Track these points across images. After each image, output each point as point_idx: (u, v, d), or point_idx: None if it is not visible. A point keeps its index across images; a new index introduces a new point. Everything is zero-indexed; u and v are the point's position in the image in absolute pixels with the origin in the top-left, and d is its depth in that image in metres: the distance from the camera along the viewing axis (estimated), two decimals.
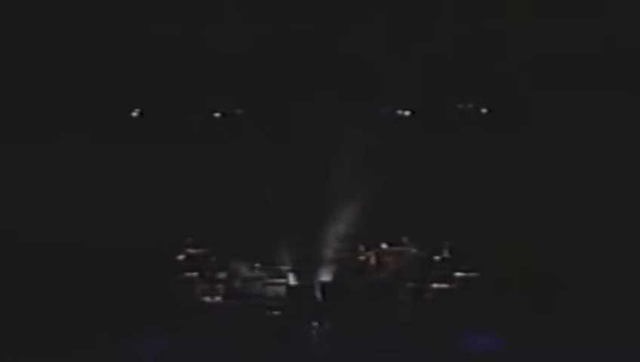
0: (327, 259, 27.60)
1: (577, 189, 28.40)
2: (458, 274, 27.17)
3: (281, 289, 26.72)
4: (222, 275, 27.14)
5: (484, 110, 28.59)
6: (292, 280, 27.44)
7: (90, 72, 26.81)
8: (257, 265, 27.08)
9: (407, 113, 28.59)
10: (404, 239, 27.96)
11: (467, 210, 27.86)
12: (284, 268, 27.26)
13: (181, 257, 27.29)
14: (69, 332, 22.56)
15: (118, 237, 27.32)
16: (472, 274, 27.09)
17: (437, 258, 27.59)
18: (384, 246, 27.96)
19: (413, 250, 27.77)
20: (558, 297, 25.75)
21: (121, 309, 24.08)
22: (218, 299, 26.68)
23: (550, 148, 28.09)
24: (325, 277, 27.21)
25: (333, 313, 25.70)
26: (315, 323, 24.61)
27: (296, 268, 27.62)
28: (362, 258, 27.77)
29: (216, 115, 28.64)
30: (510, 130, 28.05)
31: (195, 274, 27.03)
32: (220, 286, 27.00)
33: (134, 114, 28.04)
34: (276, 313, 25.79)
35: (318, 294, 25.90)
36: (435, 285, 27.00)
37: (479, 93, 28.31)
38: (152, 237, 26.96)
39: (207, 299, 26.89)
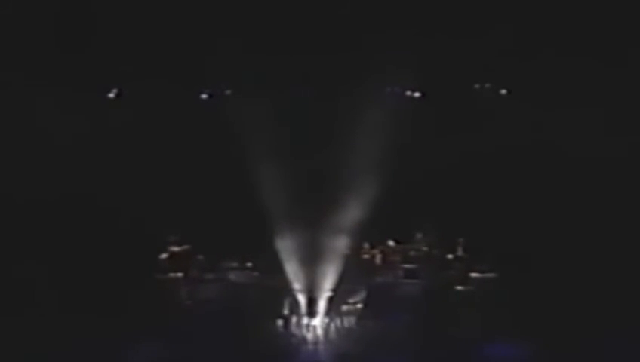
0: (326, 256, 26.68)
1: (605, 177, 27.37)
2: (474, 274, 26.52)
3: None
4: (210, 276, 26.62)
5: (503, 91, 28.06)
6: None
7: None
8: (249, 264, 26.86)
9: (417, 94, 28.29)
10: (417, 235, 27.43)
11: (485, 202, 27.14)
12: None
13: (164, 256, 26.71)
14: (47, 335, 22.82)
15: (88, 233, 26.66)
16: (489, 275, 26.43)
17: (450, 256, 26.94)
18: (391, 243, 27.33)
19: (424, 248, 27.10)
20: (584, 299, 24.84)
21: (100, 313, 24.18)
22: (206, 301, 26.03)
23: (575, 135, 27.56)
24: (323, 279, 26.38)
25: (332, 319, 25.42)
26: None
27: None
28: (367, 256, 27.10)
29: (204, 96, 28.16)
30: (532, 114, 27.69)
31: (179, 274, 26.48)
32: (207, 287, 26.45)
33: (111, 95, 27.68)
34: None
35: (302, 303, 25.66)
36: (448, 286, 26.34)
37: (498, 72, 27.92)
38: (131, 233, 26.42)
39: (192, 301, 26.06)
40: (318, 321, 25.46)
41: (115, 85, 27.99)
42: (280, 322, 25.13)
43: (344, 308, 25.80)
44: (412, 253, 27.22)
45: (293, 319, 25.38)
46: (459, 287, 26.47)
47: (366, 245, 27.44)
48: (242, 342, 23.96)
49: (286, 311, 25.62)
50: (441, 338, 24.16)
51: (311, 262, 26.44)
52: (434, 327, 24.86)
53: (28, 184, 26.81)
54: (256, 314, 25.56)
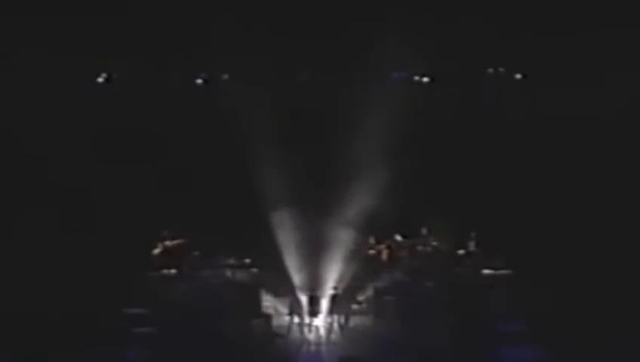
0: (329, 252, 25.95)
1: (623, 166, 26.79)
2: (486, 271, 25.60)
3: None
4: (206, 272, 25.75)
5: (518, 75, 27.45)
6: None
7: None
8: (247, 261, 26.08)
9: (425, 80, 27.72)
10: (423, 230, 26.42)
11: (499, 193, 26.51)
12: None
13: (157, 251, 25.87)
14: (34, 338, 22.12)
15: (74, 226, 25.93)
16: (502, 272, 25.61)
17: (461, 252, 26.00)
18: (398, 238, 26.35)
19: (433, 243, 26.23)
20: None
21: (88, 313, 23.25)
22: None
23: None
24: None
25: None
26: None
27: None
28: (372, 252, 26.14)
29: (199, 81, 27.55)
30: (550, 100, 27.13)
31: (173, 271, 25.70)
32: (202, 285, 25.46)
33: (100, 79, 27.03)
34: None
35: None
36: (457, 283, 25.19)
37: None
38: (120, 227, 25.86)
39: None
40: (320, 321, 24.62)
41: (103, 70, 27.33)
42: (259, 321, 24.41)
43: (348, 307, 25.02)
44: (420, 248, 26.36)
45: (295, 318, 24.51)
46: (470, 284, 25.45)
47: (371, 240, 26.47)
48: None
49: (272, 310, 25.01)
50: (452, 339, 23.24)
51: (313, 257, 25.82)
52: (445, 328, 23.85)
53: (8, 175, 26.29)
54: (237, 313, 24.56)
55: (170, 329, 23.21)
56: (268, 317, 24.49)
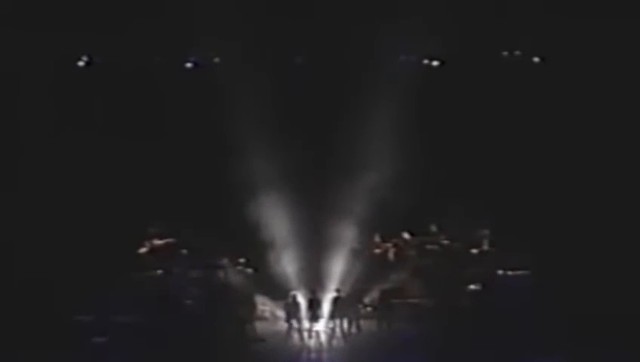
0: (331, 251, 25.57)
1: None
2: (501, 272, 25.09)
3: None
4: (195, 273, 25.35)
5: (536, 59, 26.81)
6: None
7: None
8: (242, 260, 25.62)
9: (435, 63, 27.18)
10: (432, 226, 26.04)
11: (515, 187, 26.05)
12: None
13: (143, 250, 25.41)
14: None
15: (55, 222, 25.34)
16: (520, 273, 24.97)
17: (474, 251, 25.53)
18: (406, 235, 25.99)
19: (444, 241, 25.84)
20: None
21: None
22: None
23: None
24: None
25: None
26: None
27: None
28: (378, 251, 25.88)
29: (188, 65, 26.96)
30: (570, 85, 26.28)
31: (160, 271, 25.28)
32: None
33: (81, 63, 26.34)
34: None
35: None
36: (471, 286, 24.93)
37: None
38: (104, 223, 25.48)
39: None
40: (321, 326, 24.18)
41: (84, 52, 26.45)
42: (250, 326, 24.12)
43: (351, 310, 24.53)
44: (429, 247, 25.90)
45: (294, 323, 24.05)
46: (483, 287, 24.92)
47: (377, 238, 26.04)
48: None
49: (268, 314, 24.80)
50: (465, 347, 22.44)
51: (313, 257, 25.58)
52: (456, 334, 23.18)
53: None
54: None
55: (152, 340, 22.75)
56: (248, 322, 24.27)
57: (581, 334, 22.09)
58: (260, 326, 24.37)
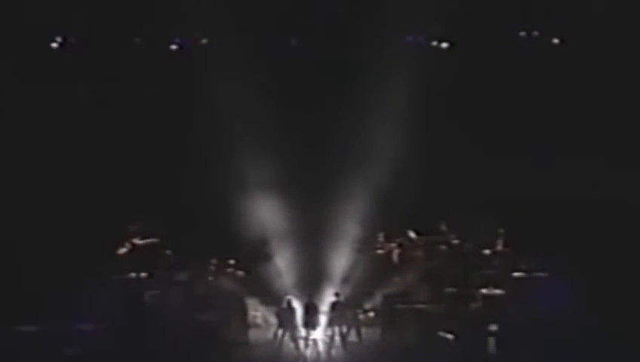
0: (330, 252, 25.08)
1: None
2: (516, 274, 23.99)
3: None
4: (181, 276, 24.42)
5: (555, 40, 26.15)
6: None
7: None
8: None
9: (444, 45, 26.53)
10: (441, 225, 25.29)
11: (531, 182, 25.14)
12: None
13: (123, 250, 24.36)
14: None
15: (27, 219, 24.52)
16: (536, 275, 23.79)
17: (487, 252, 24.63)
18: (412, 234, 25.25)
19: (454, 241, 25.01)
20: None
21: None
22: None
23: None
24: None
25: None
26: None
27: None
28: (381, 252, 25.31)
29: (173, 46, 26.16)
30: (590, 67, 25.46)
31: (143, 273, 24.28)
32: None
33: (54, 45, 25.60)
34: None
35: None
36: (484, 290, 23.82)
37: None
38: (80, 220, 24.59)
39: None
40: (318, 334, 23.46)
41: (58, 32, 25.70)
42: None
43: (352, 317, 23.90)
44: (438, 248, 25.08)
45: (287, 331, 23.38)
46: (497, 291, 23.80)
47: (380, 237, 25.37)
48: None
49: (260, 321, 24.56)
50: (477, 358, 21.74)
51: (311, 257, 24.93)
52: (467, 343, 22.29)
53: None
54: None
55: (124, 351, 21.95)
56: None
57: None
58: (251, 333, 23.79)
